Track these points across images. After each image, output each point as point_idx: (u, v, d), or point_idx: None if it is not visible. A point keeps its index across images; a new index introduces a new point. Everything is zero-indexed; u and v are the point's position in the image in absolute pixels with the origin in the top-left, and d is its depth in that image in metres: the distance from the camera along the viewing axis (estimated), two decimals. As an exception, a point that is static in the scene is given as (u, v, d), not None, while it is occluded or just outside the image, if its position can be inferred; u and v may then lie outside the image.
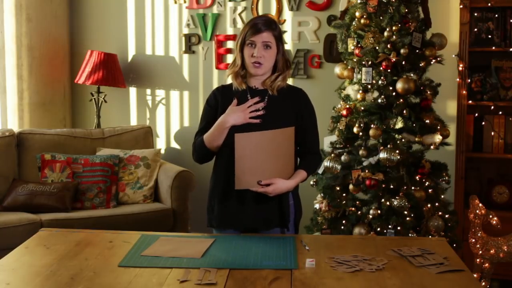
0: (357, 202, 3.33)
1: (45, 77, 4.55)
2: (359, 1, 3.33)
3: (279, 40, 2.46)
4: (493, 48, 3.86)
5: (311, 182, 3.45)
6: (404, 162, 3.22)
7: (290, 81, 4.28)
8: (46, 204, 3.77)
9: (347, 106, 3.32)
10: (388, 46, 3.22)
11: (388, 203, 3.19)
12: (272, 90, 2.46)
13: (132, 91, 4.79)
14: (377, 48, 3.25)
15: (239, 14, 4.44)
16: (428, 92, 3.27)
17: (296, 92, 2.54)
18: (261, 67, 2.42)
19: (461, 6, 3.77)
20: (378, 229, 3.19)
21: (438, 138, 3.23)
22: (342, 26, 3.47)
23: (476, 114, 3.92)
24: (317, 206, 3.40)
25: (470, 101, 3.85)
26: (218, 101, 2.50)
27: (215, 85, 4.55)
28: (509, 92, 3.90)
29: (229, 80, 2.55)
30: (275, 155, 2.35)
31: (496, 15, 3.85)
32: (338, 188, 3.34)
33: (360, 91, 3.30)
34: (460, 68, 3.78)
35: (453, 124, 3.77)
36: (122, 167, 4.11)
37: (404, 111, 3.20)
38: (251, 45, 2.41)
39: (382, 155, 3.16)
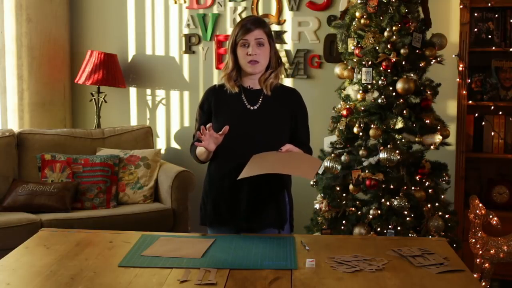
0: (357, 202, 3.32)
1: (45, 77, 4.55)
2: (359, 1, 3.33)
3: (271, 37, 2.47)
4: (493, 48, 3.86)
5: (311, 182, 3.45)
6: (404, 162, 3.22)
7: (290, 81, 4.29)
8: (46, 204, 3.77)
9: (347, 106, 3.32)
10: (388, 46, 3.22)
11: (388, 203, 3.19)
12: (266, 89, 2.46)
13: (132, 91, 4.79)
14: (377, 48, 3.25)
15: (239, 14, 4.43)
16: (428, 92, 3.27)
17: (290, 92, 2.55)
18: (258, 64, 2.43)
19: (461, 6, 3.76)
20: (378, 229, 3.19)
21: (438, 138, 3.23)
22: (342, 26, 3.47)
23: (476, 114, 3.91)
24: (317, 206, 3.40)
25: (470, 101, 3.84)
26: (211, 102, 2.51)
27: (215, 85, 4.55)
28: (509, 92, 3.90)
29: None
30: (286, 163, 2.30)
31: (496, 15, 3.85)
32: (338, 188, 3.34)
33: (360, 91, 3.30)
34: (460, 68, 3.78)
35: (453, 124, 3.76)
36: (122, 167, 4.10)
37: (404, 111, 3.20)
38: (244, 45, 2.42)
39: (382, 155, 3.16)
